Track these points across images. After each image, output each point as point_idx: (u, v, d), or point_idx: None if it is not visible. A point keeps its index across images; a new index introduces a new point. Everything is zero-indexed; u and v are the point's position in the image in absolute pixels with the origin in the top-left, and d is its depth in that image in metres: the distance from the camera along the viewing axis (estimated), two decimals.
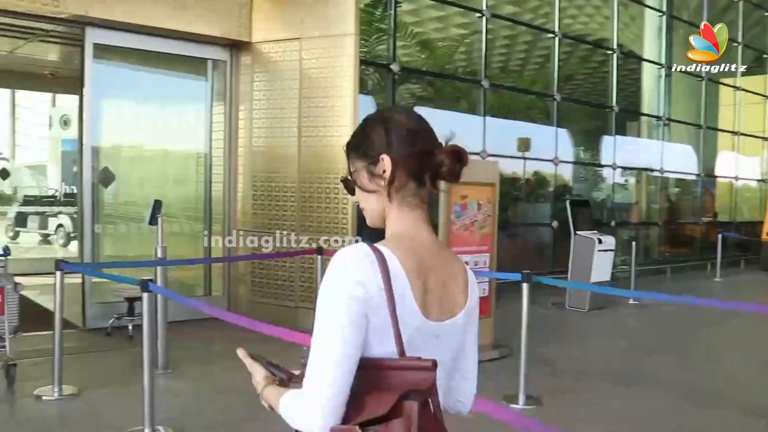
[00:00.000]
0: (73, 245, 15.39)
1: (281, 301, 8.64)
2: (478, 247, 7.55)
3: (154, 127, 9.40)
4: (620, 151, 14.75)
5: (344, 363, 1.56)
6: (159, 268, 6.62)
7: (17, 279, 6.22)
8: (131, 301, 7.80)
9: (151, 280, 5.02)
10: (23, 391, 5.92)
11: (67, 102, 22.65)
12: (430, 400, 1.58)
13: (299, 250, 8.34)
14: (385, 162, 1.73)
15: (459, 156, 1.75)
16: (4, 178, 15.69)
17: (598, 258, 10.41)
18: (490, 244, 7.68)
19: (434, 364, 1.58)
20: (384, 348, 1.61)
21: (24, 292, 6.29)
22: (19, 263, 11.81)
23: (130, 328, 7.80)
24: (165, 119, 9.54)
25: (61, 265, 6.01)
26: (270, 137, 8.75)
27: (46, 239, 17.21)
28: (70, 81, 12.32)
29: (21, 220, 17.01)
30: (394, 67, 10.02)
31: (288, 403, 1.67)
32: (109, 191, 8.77)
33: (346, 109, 8.06)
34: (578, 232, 10.59)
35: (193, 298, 8.28)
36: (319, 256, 7.72)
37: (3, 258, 6.23)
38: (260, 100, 8.82)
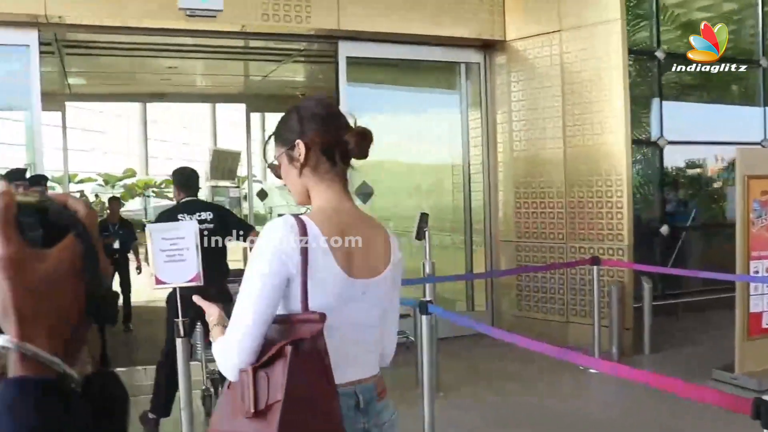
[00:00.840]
0: None
1: (549, 316, 8.02)
2: None
3: (406, 137, 9.15)
4: None
5: (260, 313, 1.85)
6: (428, 285, 6.27)
7: None
8: None
9: (429, 302, 4.63)
10: None
11: None
12: (317, 344, 1.82)
13: (571, 260, 7.67)
14: (300, 146, 2.02)
15: (364, 136, 2.05)
16: (262, 199, 16.40)
17: None
18: None
19: (322, 316, 1.84)
20: (296, 306, 1.90)
21: None
22: None
23: None
24: (418, 129, 9.31)
25: None
26: (531, 140, 8.16)
27: None
28: None
29: None
30: (659, 54, 9.10)
31: (217, 345, 1.96)
32: (366, 206, 8.63)
33: (614, 103, 7.34)
34: None
35: (457, 313, 7.92)
36: (594, 267, 7.04)
37: None
38: (519, 101, 8.25)
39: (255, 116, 13.27)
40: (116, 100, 18.62)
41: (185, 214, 5.48)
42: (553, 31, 7.81)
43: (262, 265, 1.87)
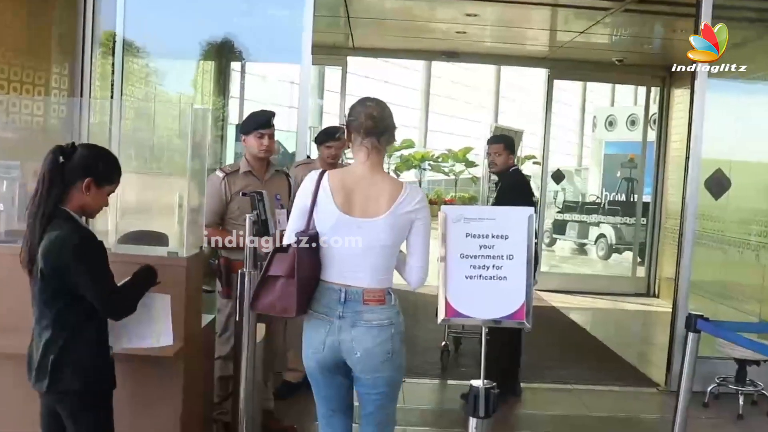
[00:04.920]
0: (615, 258, 14.18)
1: None
2: None
3: None
4: None
5: (291, 224, 3.04)
6: None
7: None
8: (743, 363, 5.79)
9: None
10: None
11: (602, 99, 21.01)
12: (291, 250, 2.95)
13: None
14: (345, 130, 3.11)
15: (369, 116, 2.98)
16: (558, 182, 14.50)
17: None
18: None
19: (300, 233, 2.96)
20: (311, 225, 3.00)
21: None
22: (549, 278, 10.84)
23: (741, 399, 5.75)
24: None
25: (699, 323, 3.75)
26: None
27: (581, 249, 15.80)
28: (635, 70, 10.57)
29: (558, 227, 15.79)
30: None
31: None
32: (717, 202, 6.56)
33: None
34: None
35: None
36: None
37: None
38: None
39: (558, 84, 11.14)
40: (402, 57, 17.23)
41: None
42: None
43: (298, 196, 3.03)
